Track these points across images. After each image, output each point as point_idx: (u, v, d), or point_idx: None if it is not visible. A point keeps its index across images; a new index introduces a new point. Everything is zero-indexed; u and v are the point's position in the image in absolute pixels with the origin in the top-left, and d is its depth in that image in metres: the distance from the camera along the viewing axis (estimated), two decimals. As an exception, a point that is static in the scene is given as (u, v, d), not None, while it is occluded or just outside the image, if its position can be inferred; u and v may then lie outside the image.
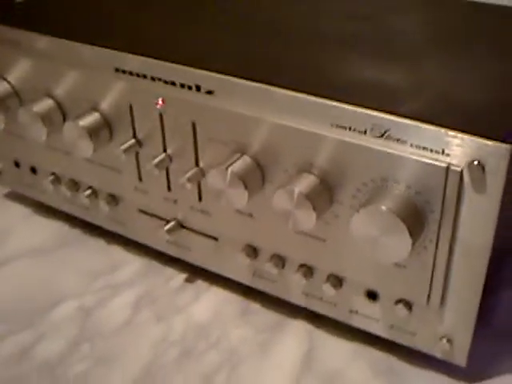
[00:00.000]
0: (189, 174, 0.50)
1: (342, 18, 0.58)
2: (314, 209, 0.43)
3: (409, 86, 0.46)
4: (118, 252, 0.61)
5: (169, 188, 0.54)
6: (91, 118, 0.53)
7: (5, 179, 0.67)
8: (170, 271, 0.59)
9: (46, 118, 0.55)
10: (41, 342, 0.52)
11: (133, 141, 0.52)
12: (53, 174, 0.62)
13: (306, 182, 0.44)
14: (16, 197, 0.69)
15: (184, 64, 0.48)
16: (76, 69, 0.54)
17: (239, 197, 0.46)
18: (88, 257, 0.61)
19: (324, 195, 0.44)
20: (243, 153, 0.47)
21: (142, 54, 0.50)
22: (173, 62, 0.49)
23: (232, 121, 0.47)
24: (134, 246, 0.61)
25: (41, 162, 0.62)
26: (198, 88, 0.48)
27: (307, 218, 0.44)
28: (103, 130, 0.53)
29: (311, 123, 0.44)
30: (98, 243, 0.63)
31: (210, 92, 0.47)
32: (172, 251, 0.58)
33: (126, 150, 0.52)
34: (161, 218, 0.56)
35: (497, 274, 0.55)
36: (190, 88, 0.48)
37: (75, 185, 0.61)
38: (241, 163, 0.46)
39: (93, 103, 0.53)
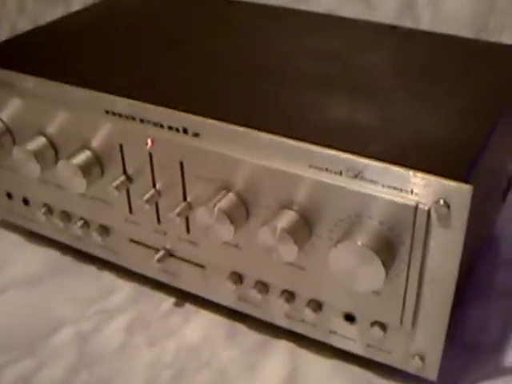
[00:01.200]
0: (178, 209, 0.52)
1: (314, 56, 0.61)
2: (296, 243, 0.47)
3: (380, 126, 0.49)
4: (109, 278, 0.64)
5: (158, 220, 0.56)
6: (83, 157, 0.55)
7: (-3, 209, 0.69)
8: (159, 296, 0.62)
9: (39, 156, 0.57)
10: (42, 369, 0.54)
11: (123, 177, 0.55)
12: (45, 205, 0.64)
13: (287, 219, 0.47)
14: (7, 225, 0.71)
15: (171, 107, 0.51)
16: (67, 109, 0.56)
17: (226, 231, 0.49)
18: (81, 283, 0.64)
19: (304, 230, 0.47)
20: (228, 190, 0.50)
21: (131, 97, 0.52)
22: (160, 105, 0.51)
23: (217, 161, 0.50)
24: (124, 271, 0.63)
25: (33, 195, 0.64)
26: (185, 130, 0.50)
27: (289, 251, 0.47)
28: (95, 168, 0.56)
29: (290, 164, 0.47)
30: (90, 269, 0.65)
31: (196, 134, 0.50)
32: (162, 278, 0.60)
33: (117, 187, 0.55)
34: (151, 248, 0.59)
35: (464, 291, 0.59)
36: (177, 130, 0.51)
37: (67, 216, 0.63)
38: (226, 200, 0.49)
39: (84, 142, 0.55)
